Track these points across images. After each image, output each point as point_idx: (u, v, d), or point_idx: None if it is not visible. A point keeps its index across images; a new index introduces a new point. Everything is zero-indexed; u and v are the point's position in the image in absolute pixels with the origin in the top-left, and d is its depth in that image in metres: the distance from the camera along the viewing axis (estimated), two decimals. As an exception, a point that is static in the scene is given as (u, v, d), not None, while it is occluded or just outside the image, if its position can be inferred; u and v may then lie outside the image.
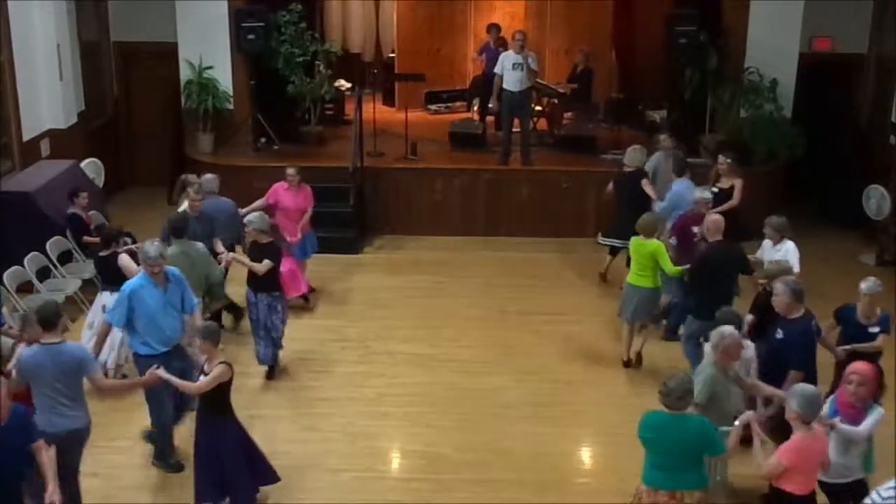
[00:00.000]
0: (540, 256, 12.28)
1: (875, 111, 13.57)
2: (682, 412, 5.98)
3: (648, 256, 9.01)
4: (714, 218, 8.78)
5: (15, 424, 5.64)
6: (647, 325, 9.50)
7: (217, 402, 6.74)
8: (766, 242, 8.89)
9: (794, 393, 5.81)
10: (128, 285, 7.45)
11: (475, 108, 15.34)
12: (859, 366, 6.36)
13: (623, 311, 9.38)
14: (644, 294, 9.18)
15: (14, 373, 6.42)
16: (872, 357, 7.25)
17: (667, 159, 11.27)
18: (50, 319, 6.42)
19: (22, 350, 6.54)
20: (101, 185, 12.43)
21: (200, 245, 8.80)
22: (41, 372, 6.32)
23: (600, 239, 11.15)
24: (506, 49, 13.79)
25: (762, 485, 6.26)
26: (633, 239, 9.24)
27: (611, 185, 11.08)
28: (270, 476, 7.13)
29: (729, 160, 10.79)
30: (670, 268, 8.96)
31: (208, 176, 10.20)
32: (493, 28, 15.15)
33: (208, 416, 6.78)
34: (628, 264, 10.09)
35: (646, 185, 10.67)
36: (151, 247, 7.36)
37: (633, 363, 9.42)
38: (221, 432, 6.78)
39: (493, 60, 14.49)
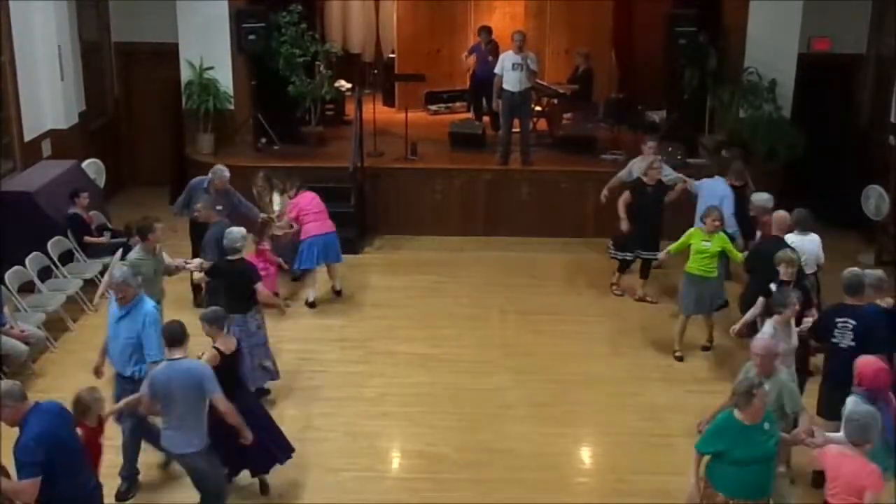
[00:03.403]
0: (540, 256, 12.30)
1: (874, 111, 13.58)
2: None
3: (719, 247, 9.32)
4: (780, 214, 8.95)
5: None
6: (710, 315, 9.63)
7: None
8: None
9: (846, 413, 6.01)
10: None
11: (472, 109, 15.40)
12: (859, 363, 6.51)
13: (689, 305, 9.47)
14: (713, 284, 9.41)
15: (146, 391, 6.53)
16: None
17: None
18: (177, 337, 6.49)
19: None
20: (101, 185, 12.45)
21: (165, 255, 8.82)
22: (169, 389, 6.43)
23: (613, 253, 10.90)
24: (497, 51, 13.83)
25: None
26: (695, 230, 9.40)
27: (627, 195, 10.64)
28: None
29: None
30: (738, 256, 9.37)
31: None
32: (484, 31, 15.18)
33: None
34: (643, 275, 10.73)
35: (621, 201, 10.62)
36: (118, 270, 7.28)
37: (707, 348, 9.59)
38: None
39: (483, 62, 14.54)
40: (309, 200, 10.73)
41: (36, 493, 5.47)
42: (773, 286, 7.83)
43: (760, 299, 7.97)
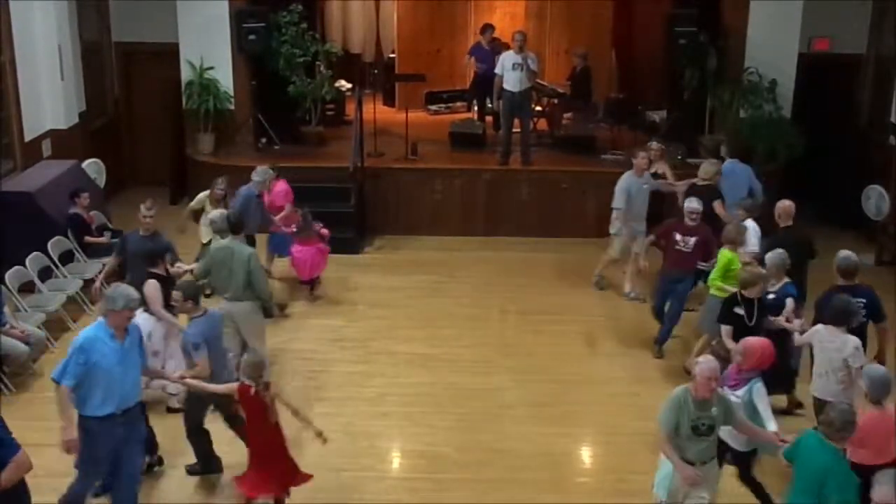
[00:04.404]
0: (540, 256, 12.31)
1: (874, 111, 13.59)
2: None
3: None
4: (785, 204, 8.95)
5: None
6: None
7: None
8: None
9: (865, 374, 6.33)
10: (82, 335, 6.28)
11: (475, 109, 15.39)
12: (750, 340, 6.85)
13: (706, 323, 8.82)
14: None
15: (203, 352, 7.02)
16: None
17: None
18: (194, 293, 7.27)
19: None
20: (102, 185, 12.47)
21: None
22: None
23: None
24: (499, 50, 13.82)
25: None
26: (730, 253, 8.71)
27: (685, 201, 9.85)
28: None
29: (662, 146, 11.38)
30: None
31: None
32: (489, 29, 15.17)
33: None
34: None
35: (717, 206, 9.97)
36: (130, 289, 6.35)
37: None
38: None
39: (485, 61, 14.54)
40: (288, 187, 10.91)
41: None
42: (738, 310, 7.68)
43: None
